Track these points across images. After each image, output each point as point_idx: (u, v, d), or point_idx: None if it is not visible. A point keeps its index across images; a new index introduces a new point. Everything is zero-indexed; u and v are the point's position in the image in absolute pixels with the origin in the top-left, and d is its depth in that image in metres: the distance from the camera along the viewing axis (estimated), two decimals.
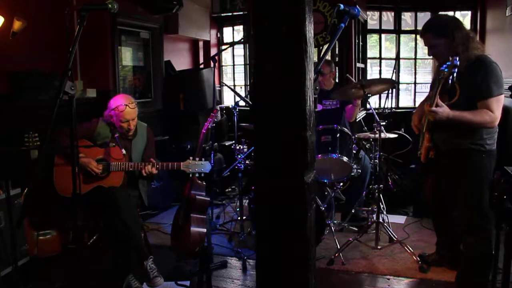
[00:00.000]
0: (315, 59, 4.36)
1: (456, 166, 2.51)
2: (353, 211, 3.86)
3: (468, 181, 2.47)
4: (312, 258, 1.45)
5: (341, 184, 4.02)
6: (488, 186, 2.44)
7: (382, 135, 3.44)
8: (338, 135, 3.47)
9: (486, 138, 2.41)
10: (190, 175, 3.09)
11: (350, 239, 3.42)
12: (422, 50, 7.34)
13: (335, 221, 3.79)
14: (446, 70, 2.22)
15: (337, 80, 5.01)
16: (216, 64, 4.94)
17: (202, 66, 5.96)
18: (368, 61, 6.10)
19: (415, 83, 6.26)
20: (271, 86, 1.36)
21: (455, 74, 2.22)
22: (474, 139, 2.40)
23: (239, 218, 3.90)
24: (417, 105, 6.07)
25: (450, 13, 5.96)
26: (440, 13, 2.48)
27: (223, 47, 6.49)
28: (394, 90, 5.79)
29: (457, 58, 2.21)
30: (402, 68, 6.97)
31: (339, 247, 3.31)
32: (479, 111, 2.30)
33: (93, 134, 3.06)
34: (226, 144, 5.53)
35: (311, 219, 1.41)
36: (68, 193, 2.86)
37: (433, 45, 2.44)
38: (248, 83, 6.61)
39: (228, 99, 6.91)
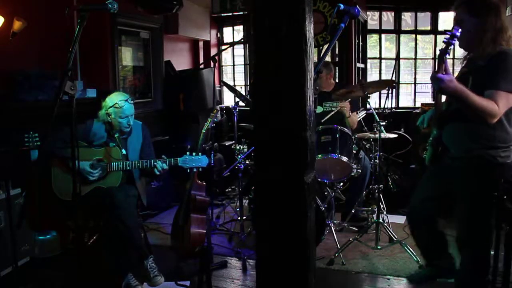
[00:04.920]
0: (315, 59, 4.36)
1: (462, 175, 2.27)
2: (353, 211, 3.86)
3: (474, 195, 2.24)
4: (312, 258, 1.45)
5: (341, 184, 4.02)
6: (494, 200, 2.20)
7: (382, 135, 3.44)
8: (338, 135, 3.47)
9: (500, 149, 2.17)
10: (189, 171, 3.08)
11: (350, 239, 3.42)
12: (422, 50, 7.36)
13: (335, 221, 3.79)
14: (445, 39, 2.09)
15: (337, 80, 5.03)
16: (216, 64, 4.94)
17: (202, 66, 5.96)
18: (368, 61, 6.10)
19: (415, 83, 6.27)
20: (271, 86, 1.36)
21: (453, 44, 2.07)
22: (487, 146, 2.17)
23: (239, 218, 3.89)
24: (417, 105, 6.09)
25: (450, 13, 5.94)
26: None
27: (223, 47, 6.49)
28: (394, 90, 5.79)
29: (459, 29, 2.07)
30: (402, 68, 6.98)
31: (339, 247, 3.31)
32: (486, 99, 2.06)
33: (88, 135, 3.05)
34: (226, 144, 5.53)
35: (311, 219, 1.41)
36: (68, 196, 2.86)
37: (462, 21, 2.20)
38: (248, 83, 6.60)
39: (228, 99, 6.91)
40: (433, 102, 2.51)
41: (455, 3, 2.27)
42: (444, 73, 2.06)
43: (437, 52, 2.20)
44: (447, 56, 2.11)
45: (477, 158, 2.20)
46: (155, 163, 2.97)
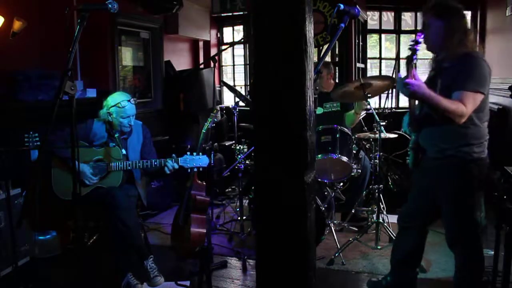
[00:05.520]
0: (315, 59, 4.36)
1: (441, 175, 2.32)
2: (353, 211, 3.86)
3: (452, 190, 2.30)
4: (312, 258, 1.45)
5: (341, 184, 4.02)
6: (478, 196, 2.28)
7: (382, 135, 3.44)
8: (338, 135, 3.47)
9: (474, 146, 2.24)
10: (189, 171, 3.08)
11: (350, 239, 3.42)
12: (422, 50, 7.35)
13: (335, 221, 3.79)
14: (410, 46, 2.19)
15: (337, 81, 5.03)
16: (216, 64, 4.94)
17: (202, 66, 5.96)
18: (368, 61, 6.10)
19: None
20: (271, 86, 1.36)
21: (417, 50, 2.17)
22: (460, 145, 2.24)
23: (239, 218, 3.90)
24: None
25: None
26: None
27: (223, 47, 6.50)
28: (394, 90, 5.79)
29: (422, 35, 2.17)
30: (402, 68, 6.98)
31: (339, 247, 3.31)
32: (454, 101, 2.14)
33: (89, 135, 3.05)
34: (226, 144, 5.53)
35: (311, 219, 1.41)
36: (68, 196, 2.86)
37: (428, 24, 2.31)
38: (248, 83, 6.60)
39: (228, 99, 6.91)
40: None
41: (423, 9, 2.37)
42: (413, 79, 2.16)
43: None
44: (415, 62, 2.20)
45: (453, 157, 2.26)
46: (166, 163, 2.97)
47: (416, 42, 2.16)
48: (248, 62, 6.57)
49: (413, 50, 2.16)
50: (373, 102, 5.47)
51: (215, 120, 3.62)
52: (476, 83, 2.14)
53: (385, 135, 3.48)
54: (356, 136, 3.76)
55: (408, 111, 2.49)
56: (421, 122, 2.36)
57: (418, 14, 6.03)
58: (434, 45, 2.30)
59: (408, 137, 4.46)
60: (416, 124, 2.37)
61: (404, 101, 6.63)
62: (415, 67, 2.29)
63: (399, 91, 2.30)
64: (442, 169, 2.31)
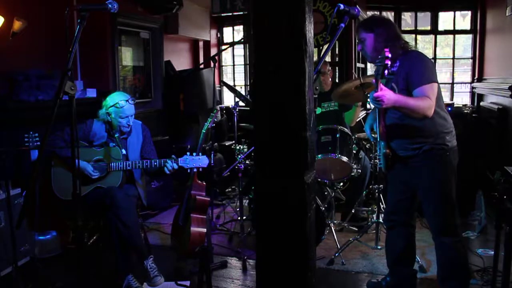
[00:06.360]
0: (315, 59, 4.35)
1: (421, 169, 2.42)
2: (353, 211, 3.87)
3: (436, 181, 2.40)
4: (312, 258, 1.45)
5: (341, 184, 4.02)
6: (455, 182, 2.40)
7: None
8: (338, 135, 3.47)
9: (445, 134, 2.38)
10: (189, 171, 3.08)
11: (350, 239, 3.42)
12: (422, 50, 7.35)
13: (335, 221, 3.79)
14: (379, 63, 2.25)
15: (336, 80, 5.03)
16: (216, 64, 4.94)
17: (202, 66, 5.97)
18: None
19: None
20: (271, 86, 1.36)
21: (389, 65, 2.22)
22: (434, 138, 2.36)
23: (239, 218, 3.89)
24: None
25: (450, 13, 5.99)
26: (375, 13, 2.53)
27: (223, 47, 6.50)
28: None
29: (387, 50, 2.24)
30: None
31: (339, 247, 3.31)
32: (419, 97, 2.28)
33: (88, 135, 3.05)
34: (226, 144, 5.53)
35: (311, 219, 1.41)
36: (68, 196, 2.86)
37: (361, 39, 2.49)
38: (248, 83, 6.61)
39: (228, 99, 6.91)
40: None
41: (356, 27, 2.58)
42: (380, 90, 2.25)
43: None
44: (387, 76, 2.26)
45: (431, 150, 2.38)
46: (165, 163, 2.97)
47: (386, 58, 2.22)
48: (248, 62, 6.57)
49: (385, 65, 2.21)
50: None
51: (215, 120, 3.62)
52: (428, 74, 2.30)
53: None
54: (356, 136, 3.76)
55: (367, 117, 2.70)
56: (389, 129, 2.45)
57: (418, 14, 6.04)
58: (372, 56, 2.45)
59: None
60: (386, 132, 2.46)
61: None
62: (391, 79, 2.40)
63: (374, 106, 2.41)
64: (421, 163, 2.41)
